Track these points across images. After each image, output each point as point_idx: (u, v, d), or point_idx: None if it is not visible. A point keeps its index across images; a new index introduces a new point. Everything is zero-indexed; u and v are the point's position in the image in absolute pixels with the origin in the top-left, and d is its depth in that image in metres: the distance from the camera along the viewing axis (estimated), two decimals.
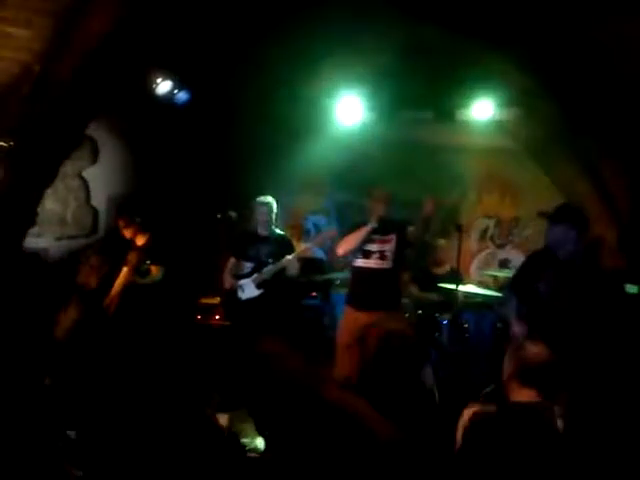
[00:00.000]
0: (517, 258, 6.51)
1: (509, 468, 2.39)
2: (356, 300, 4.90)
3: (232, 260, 5.33)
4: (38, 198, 5.04)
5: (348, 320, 4.87)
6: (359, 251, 4.84)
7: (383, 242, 4.81)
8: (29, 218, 5.01)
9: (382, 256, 4.80)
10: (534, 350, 2.62)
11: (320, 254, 7.09)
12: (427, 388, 4.49)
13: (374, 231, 4.77)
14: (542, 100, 5.65)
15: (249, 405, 3.94)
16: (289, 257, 5.06)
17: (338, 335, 4.97)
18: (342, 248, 4.86)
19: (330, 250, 6.36)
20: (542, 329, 3.87)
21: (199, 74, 5.93)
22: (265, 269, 5.14)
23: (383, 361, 3.14)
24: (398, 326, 4.41)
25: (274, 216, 5.28)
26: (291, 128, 6.82)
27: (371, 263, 4.82)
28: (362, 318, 4.63)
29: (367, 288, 4.83)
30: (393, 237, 4.83)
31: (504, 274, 6.11)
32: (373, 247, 4.80)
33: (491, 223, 6.76)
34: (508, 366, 2.67)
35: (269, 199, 5.28)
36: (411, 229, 4.87)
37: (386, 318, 4.53)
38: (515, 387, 2.57)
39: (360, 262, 4.87)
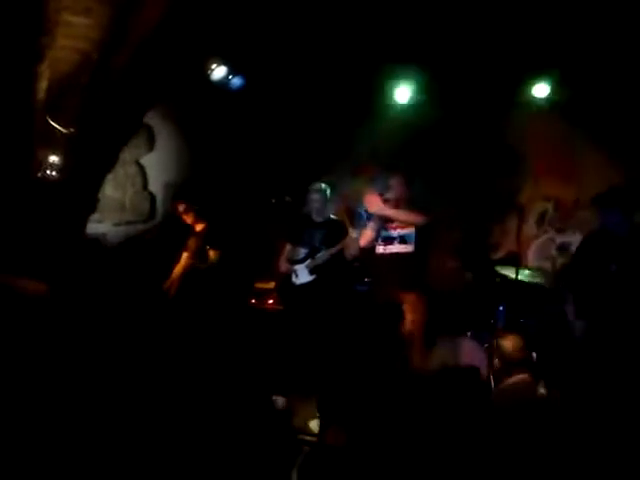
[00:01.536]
0: (577, 242, 6.31)
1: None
2: (378, 285, 4.90)
3: (288, 245, 5.37)
4: (98, 184, 5.16)
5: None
6: (380, 238, 4.80)
7: (403, 227, 4.76)
8: (90, 204, 5.13)
9: (403, 240, 4.74)
10: (508, 346, 3.17)
11: None
12: (481, 374, 4.47)
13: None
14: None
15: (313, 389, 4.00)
16: (352, 236, 5.03)
17: None
18: (363, 239, 4.82)
19: None
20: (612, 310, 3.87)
21: (254, 60, 5.95)
22: (318, 255, 5.14)
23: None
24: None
25: (328, 202, 5.28)
26: (345, 112, 6.79)
27: (393, 248, 4.77)
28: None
29: (388, 272, 4.77)
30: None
31: (563, 259, 5.96)
32: (393, 233, 4.77)
33: (550, 206, 6.55)
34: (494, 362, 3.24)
35: (323, 185, 5.28)
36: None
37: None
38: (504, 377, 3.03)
39: (381, 249, 4.82)
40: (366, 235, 4.82)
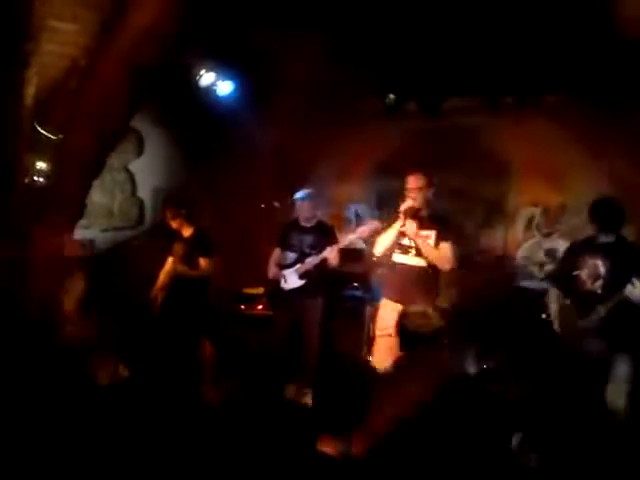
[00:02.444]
0: (564, 247, 6.36)
1: None
2: (392, 294, 4.73)
3: (277, 250, 5.36)
4: (86, 191, 5.12)
5: (385, 311, 4.72)
6: (396, 245, 4.67)
7: (420, 237, 4.56)
8: (78, 210, 5.09)
9: (419, 252, 4.57)
10: None
11: (360, 244, 7.04)
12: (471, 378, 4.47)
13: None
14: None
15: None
16: (329, 249, 5.02)
17: (375, 325, 4.91)
18: (378, 249, 4.73)
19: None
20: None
21: (242, 65, 5.96)
22: (307, 260, 5.14)
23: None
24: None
25: (316, 207, 5.29)
26: (331, 115, 6.82)
27: (407, 259, 4.63)
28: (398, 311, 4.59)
29: (403, 284, 4.62)
30: (431, 233, 4.57)
31: (551, 265, 6.00)
32: (409, 242, 4.61)
33: (537, 211, 6.59)
34: None
35: (310, 192, 5.27)
36: None
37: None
38: None
39: (396, 257, 4.70)
40: (384, 243, 4.67)
